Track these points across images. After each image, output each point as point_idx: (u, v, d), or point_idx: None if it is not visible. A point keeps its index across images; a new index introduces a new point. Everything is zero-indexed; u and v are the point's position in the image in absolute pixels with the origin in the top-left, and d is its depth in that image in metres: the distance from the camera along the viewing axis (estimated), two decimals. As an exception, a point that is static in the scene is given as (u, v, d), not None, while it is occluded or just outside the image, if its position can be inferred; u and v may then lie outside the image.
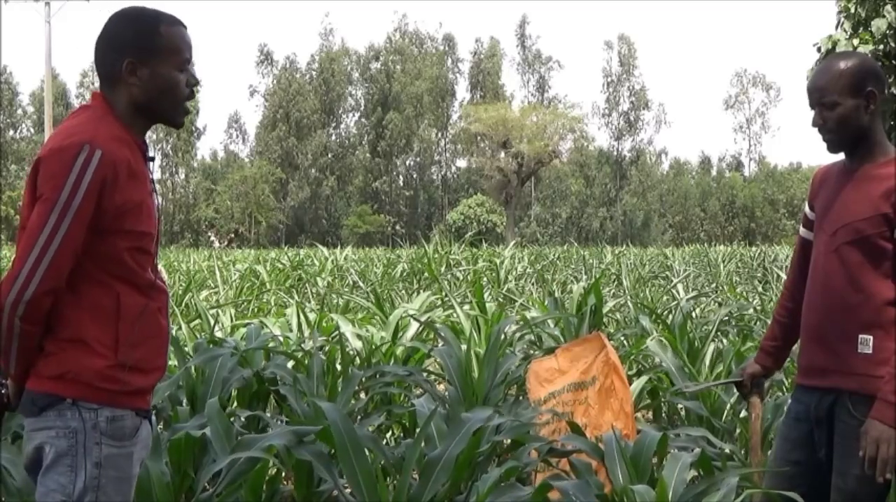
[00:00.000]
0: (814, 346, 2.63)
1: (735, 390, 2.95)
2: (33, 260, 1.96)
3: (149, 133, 2.23)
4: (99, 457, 2.00)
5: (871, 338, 2.49)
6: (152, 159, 2.19)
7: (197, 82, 2.19)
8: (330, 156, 69.49)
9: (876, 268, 2.50)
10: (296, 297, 10.05)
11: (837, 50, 10.03)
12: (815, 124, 2.61)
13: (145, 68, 2.09)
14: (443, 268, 12.92)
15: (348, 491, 3.32)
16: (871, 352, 2.49)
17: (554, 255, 19.07)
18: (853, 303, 2.52)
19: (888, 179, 2.50)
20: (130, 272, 2.06)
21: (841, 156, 2.66)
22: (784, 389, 5.16)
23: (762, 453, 3.19)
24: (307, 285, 12.49)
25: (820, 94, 2.56)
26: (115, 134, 2.05)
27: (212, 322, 6.65)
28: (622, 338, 6.49)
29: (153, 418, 2.25)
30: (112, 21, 2.12)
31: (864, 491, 2.50)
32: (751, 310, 8.13)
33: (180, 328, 6.19)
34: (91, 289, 2.04)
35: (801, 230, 2.82)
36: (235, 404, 4.73)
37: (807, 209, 2.80)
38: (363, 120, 71.42)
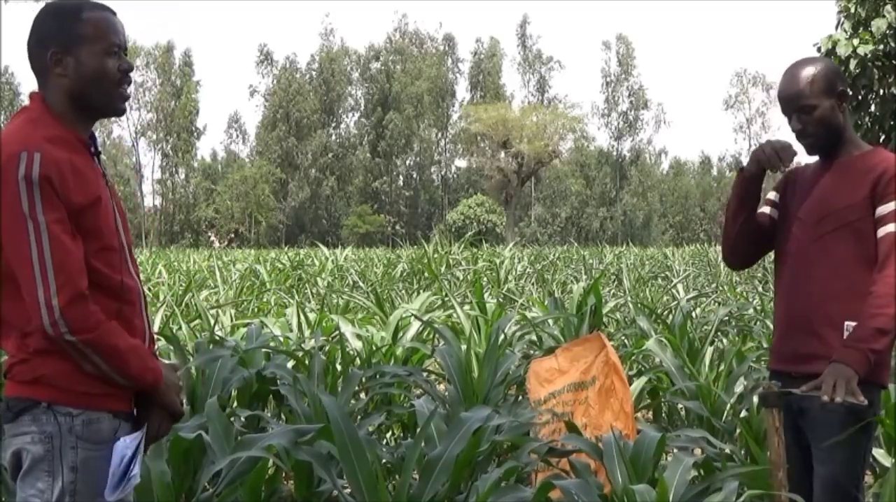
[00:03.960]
0: (800, 334, 2.65)
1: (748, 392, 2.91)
2: (39, 274, 1.90)
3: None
4: (75, 462, 1.98)
5: (856, 324, 2.51)
6: (98, 154, 2.11)
7: (130, 67, 2.11)
8: (330, 156, 69.42)
9: (860, 255, 2.57)
10: (296, 297, 10.03)
11: (837, 50, 10.02)
12: (794, 129, 2.70)
13: (70, 57, 2.03)
14: (443, 268, 12.91)
15: (348, 491, 3.32)
16: None
17: (554, 255, 19.08)
18: (838, 291, 2.58)
19: (871, 169, 2.59)
20: (99, 275, 2.00)
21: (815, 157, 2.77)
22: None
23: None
24: (307, 285, 12.49)
25: (797, 100, 2.66)
26: (49, 134, 1.98)
27: (212, 322, 6.65)
28: (622, 338, 6.49)
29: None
30: (37, 16, 2.08)
31: (844, 476, 2.55)
32: (751, 310, 8.14)
33: (180, 328, 6.20)
34: None
35: (766, 208, 2.85)
36: (235, 404, 4.73)
37: (772, 194, 2.86)
38: (363, 120, 71.38)
